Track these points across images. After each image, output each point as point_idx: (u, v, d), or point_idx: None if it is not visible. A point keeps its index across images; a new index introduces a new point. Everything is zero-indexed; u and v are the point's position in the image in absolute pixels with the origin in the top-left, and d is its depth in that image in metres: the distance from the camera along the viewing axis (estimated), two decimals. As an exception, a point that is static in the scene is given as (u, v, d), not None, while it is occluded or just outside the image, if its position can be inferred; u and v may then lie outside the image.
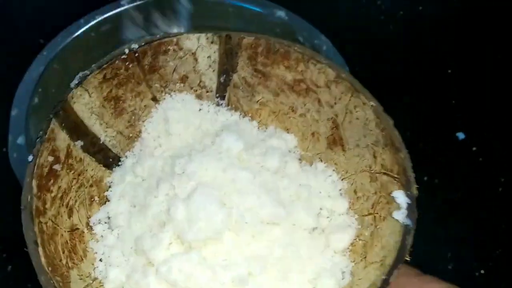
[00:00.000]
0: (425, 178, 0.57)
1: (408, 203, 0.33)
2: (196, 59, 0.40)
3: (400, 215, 0.32)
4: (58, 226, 0.34)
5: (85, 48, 0.57)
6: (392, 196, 0.34)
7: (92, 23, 0.57)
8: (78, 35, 0.56)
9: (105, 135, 0.40)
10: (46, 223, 0.32)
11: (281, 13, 0.57)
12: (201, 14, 0.59)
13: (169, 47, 0.39)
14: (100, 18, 0.57)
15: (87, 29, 0.57)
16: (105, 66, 0.37)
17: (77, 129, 0.37)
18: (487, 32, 0.71)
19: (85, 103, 0.37)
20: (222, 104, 0.43)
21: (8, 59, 0.71)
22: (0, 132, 0.54)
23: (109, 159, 0.40)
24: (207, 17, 0.59)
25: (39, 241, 0.30)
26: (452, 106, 0.66)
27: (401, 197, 0.33)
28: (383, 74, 0.61)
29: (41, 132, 0.34)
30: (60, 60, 0.56)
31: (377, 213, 0.36)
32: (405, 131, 0.36)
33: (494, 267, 0.54)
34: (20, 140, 0.50)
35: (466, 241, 0.57)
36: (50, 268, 0.30)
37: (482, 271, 0.54)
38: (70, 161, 0.36)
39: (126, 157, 0.40)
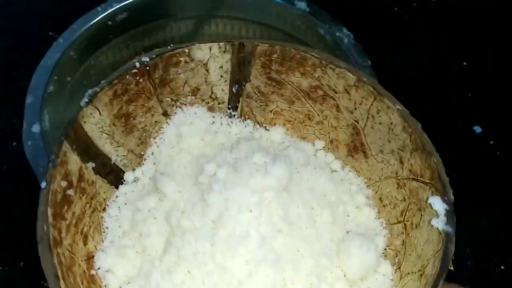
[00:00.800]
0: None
1: (446, 209, 0.32)
2: (207, 70, 0.39)
3: (439, 223, 0.31)
4: (75, 255, 0.32)
5: (101, 36, 0.56)
6: (427, 203, 0.32)
7: (109, 11, 0.56)
8: (94, 23, 0.55)
9: (116, 154, 0.38)
10: (63, 253, 0.31)
11: (301, 4, 0.55)
12: (218, 3, 0.58)
13: (180, 59, 0.38)
14: (117, 6, 0.56)
15: (103, 17, 0.56)
16: (115, 82, 0.36)
17: (88, 151, 0.36)
18: (503, 23, 0.71)
19: (96, 122, 0.36)
20: (234, 115, 0.42)
21: (17, 51, 0.69)
22: (15, 120, 0.53)
23: (121, 180, 0.38)
24: (224, 7, 0.58)
25: (59, 274, 0.29)
26: (468, 100, 0.65)
27: (438, 203, 0.32)
28: (398, 68, 0.60)
29: (53, 156, 0.32)
30: (76, 48, 0.55)
31: (408, 221, 0.35)
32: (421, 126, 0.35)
33: (515, 262, 0.54)
34: (35, 128, 0.49)
35: (485, 236, 0.56)
36: None
37: (502, 267, 0.54)
38: (82, 184, 0.35)
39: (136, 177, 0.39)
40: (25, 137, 0.49)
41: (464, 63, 0.68)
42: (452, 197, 0.32)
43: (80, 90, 0.54)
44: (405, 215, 0.35)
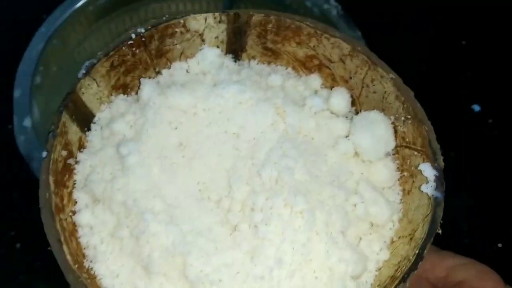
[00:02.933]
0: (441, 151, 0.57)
1: (436, 175, 0.32)
2: (203, 41, 0.39)
3: (429, 188, 0.32)
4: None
5: (84, 22, 0.56)
6: (418, 169, 0.33)
7: (89, -4, 0.55)
8: (76, 9, 0.55)
9: None
10: (66, 219, 0.31)
11: (286, -23, 0.55)
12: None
13: (176, 30, 0.37)
14: (97, -9, 0.55)
15: (84, 3, 0.55)
16: (112, 53, 0.35)
17: (87, 121, 0.36)
18: (501, 1, 0.70)
19: (94, 93, 0.36)
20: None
21: (9, 35, 0.69)
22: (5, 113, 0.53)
23: None
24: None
25: (62, 239, 0.29)
26: (467, 78, 0.65)
27: (428, 169, 0.32)
28: (394, 45, 0.59)
29: (52, 126, 0.32)
30: (59, 36, 0.54)
31: (400, 187, 0.35)
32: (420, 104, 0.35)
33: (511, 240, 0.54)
34: (26, 122, 0.48)
35: (482, 214, 0.56)
36: (76, 266, 0.29)
37: (500, 245, 0.54)
38: None
39: None
40: (17, 131, 0.48)
41: (463, 42, 0.68)
42: (442, 163, 0.32)
43: (67, 78, 0.54)
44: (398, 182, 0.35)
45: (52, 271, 0.52)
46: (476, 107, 0.62)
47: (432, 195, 0.32)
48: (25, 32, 0.55)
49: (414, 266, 0.29)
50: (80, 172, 0.34)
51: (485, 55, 0.66)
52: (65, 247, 0.29)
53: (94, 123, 0.36)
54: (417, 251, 0.30)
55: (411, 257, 0.30)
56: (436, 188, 0.32)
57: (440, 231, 0.30)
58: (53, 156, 0.31)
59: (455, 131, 0.60)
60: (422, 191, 0.32)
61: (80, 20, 0.56)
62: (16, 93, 0.50)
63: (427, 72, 0.64)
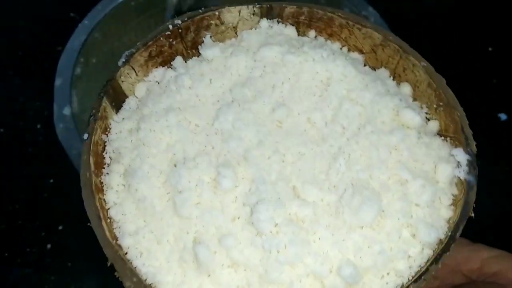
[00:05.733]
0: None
1: (468, 160, 0.32)
2: (236, 33, 0.40)
3: (462, 172, 0.32)
4: None
5: (125, 17, 0.57)
6: (452, 155, 0.33)
7: (132, -9, 0.56)
8: (118, 3, 0.56)
9: None
10: (104, 199, 0.33)
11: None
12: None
13: (211, 22, 0.39)
14: (140, -13, 0.56)
15: None
16: (150, 43, 0.37)
17: None
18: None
19: (133, 82, 0.37)
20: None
21: (40, 33, 0.70)
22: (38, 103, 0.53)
23: None
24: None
25: (101, 215, 0.31)
26: (493, 86, 0.64)
27: (461, 154, 0.33)
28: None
29: (93, 110, 0.34)
30: (101, 29, 0.55)
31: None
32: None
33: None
34: (66, 110, 0.50)
35: (510, 223, 0.56)
36: (114, 241, 0.31)
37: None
38: None
39: None
40: (57, 119, 0.50)
41: (490, 49, 0.67)
42: (474, 148, 0.33)
43: (105, 71, 0.55)
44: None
45: (82, 272, 0.54)
46: (503, 116, 0.61)
47: (465, 179, 0.32)
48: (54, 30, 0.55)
49: (446, 248, 0.30)
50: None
51: (512, 62, 0.66)
52: (104, 223, 0.30)
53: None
54: (449, 234, 0.31)
55: (443, 239, 0.31)
56: (469, 172, 0.32)
57: (472, 215, 0.31)
58: (94, 138, 0.33)
59: (481, 140, 0.59)
60: (455, 175, 0.33)
61: (121, 15, 0.57)
62: (57, 82, 0.51)
63: (452, 79, 0.63)
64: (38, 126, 0.64)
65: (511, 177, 0.57)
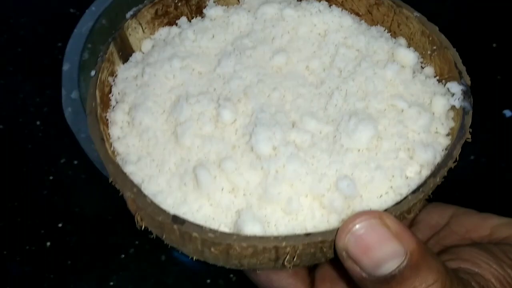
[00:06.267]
0: (472, 157, 0.56)
1: (462, 90, 0.33)
2: (239, 0, 0.41)
3: (456, 101, 0.33)
4: None
5: (132, 3, 0.56)
6: (447, 89, 0.34)
7: (139, -22, 0.56)
8: None
9: None
10: (108, 133, 0.33)
11: None
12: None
13: None
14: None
15: None
16: (156, 1, 0.38)
17: None
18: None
19: (139, 38, 0.38)
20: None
21: (40, 29, 0.70)
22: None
23: None
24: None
25: (105, 138, 0.31)
26: (498, 82, 0.63)
27: (455, 86, 0.34)
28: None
29: (101, 53, 0.35)
30: (108, 16, 0.55)
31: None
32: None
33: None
34: (74, 94, 0.50)
35: None
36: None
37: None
38: None
39: None
40: (65, 103, 0.49)
41: (494, 45, 0.67)
42: (468, 81, 0.34)
43: None
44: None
45: (82, 270, 0.54)
46: (508, 113, 0.60)
47: (460, 106, 0.33)
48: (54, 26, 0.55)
49: (444, 163, 0.30)
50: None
51: (517, 58, 0.65)
52: (106, 144, 0.31)
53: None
54: (447, 151, 0.31)
55: (441, 162, 0.31)
56: (464, 100, 0.33)
57: (470, 139, 0.31)
58: (101, 76, 0.34)
59: (486, 137, 0.59)
60: (450, 104, 0.34)
61: (128, 2, 0.55)
62: (65, 67, 0.51)
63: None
64: (38, 122, 0.63)
65: (515, 174, 0.57)
